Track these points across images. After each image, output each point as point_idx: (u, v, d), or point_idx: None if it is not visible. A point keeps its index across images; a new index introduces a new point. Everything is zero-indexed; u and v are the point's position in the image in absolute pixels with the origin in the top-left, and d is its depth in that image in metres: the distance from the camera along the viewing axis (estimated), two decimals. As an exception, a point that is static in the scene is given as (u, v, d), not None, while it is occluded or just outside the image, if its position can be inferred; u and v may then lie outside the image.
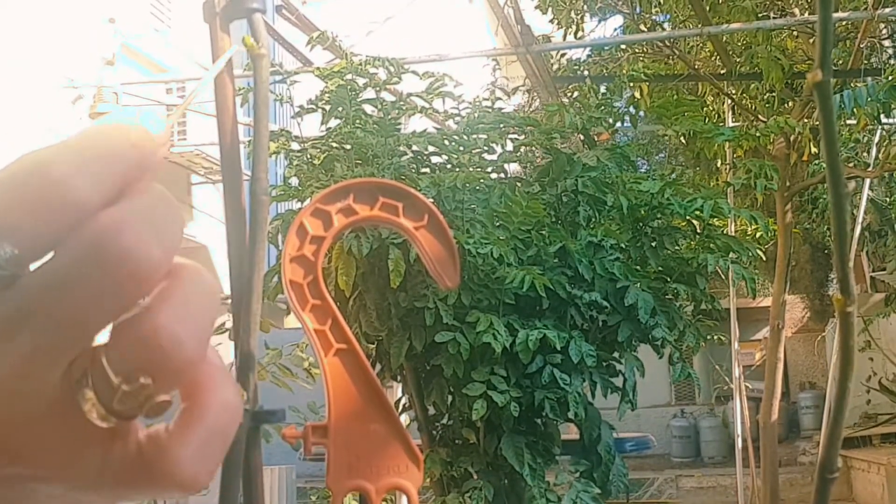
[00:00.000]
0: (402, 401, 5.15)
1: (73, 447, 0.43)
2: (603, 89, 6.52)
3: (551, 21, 9.65)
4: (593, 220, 5.00)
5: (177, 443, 0.44)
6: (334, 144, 4.82)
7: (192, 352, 0.42)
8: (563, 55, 11.02)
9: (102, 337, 0.41)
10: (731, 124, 8.86)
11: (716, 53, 9.24)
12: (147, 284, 0.41)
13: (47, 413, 0.41)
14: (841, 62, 8.65)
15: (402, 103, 5.01)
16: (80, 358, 0.41)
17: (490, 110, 5.19)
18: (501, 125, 5.13)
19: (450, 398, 4.64)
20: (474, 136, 5.00)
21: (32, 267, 0.40)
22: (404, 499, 1.09)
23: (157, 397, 0.42)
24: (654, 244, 4.94)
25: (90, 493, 0.45)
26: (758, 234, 6.72)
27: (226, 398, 0.46)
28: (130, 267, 0.40)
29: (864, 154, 9.45)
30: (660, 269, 4.93)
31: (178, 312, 0.42)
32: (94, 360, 0.41)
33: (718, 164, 8.67)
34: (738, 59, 8.76)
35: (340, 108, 4.83)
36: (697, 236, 5.08)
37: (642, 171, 7.63)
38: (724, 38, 8.77)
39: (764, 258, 6.00)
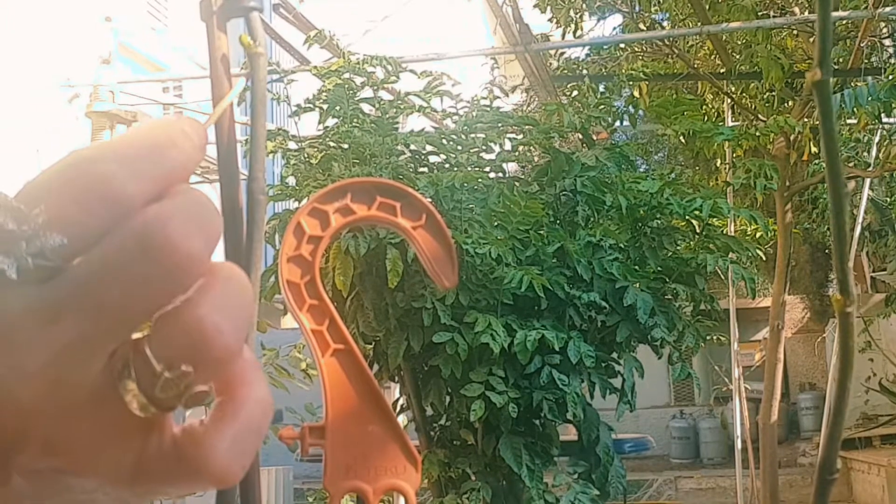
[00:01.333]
0: (400, 401, 5.14)
1: (111, 439, 0.44)
2: (602, 88, 6.54)
3: (550, 20, 9.65)
4: (592, 219, 5.00)
5: (212, 437, 0.45)
6: (332, 144, 4.82)
7: (232, 342, 0.43)
8: (561, 54, 11.03)
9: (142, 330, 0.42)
10: (730, 124, 8.85)
11: (715, 52, 9.25)
12: (190, 276, 0.42)
13: (87, 403, 0.42)
14: (841, 61, 8.65)
15: (399, 102, 5.01)
16: (121, 348, 0.42)
17: (488, 109, 5.19)
18: (500, 124, 5.12)
19: (448, 399, 4.64)
20: (472, 135, 5.00)
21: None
22: (402, 500, 1.08)
23: (197, 387, 0.43)
24: (653, 244, 4.93)
25: (125, 487, 0.45)
26: (758, 234, 6.74)
27: (260, 395, 0.47)
28: (175, 258, 0.41)
29: (865, 154, 9.44)
30: (659, 269, 4.93)
31: (219, 304, 0.43)
32: (136, 349, 0.42)
33: (718, 164, 8.66)
34: (737, 58, 8.75)
35: (338, 107, 4.82)
36: (697, 236, 5.08)
37: (641, 170, 7.63)
38: (724, 37, 8.77)
39: (764, 258, 6.00)
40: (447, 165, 4.95)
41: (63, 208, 0.40)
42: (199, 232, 0.42)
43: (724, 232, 6.25)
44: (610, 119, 5.38)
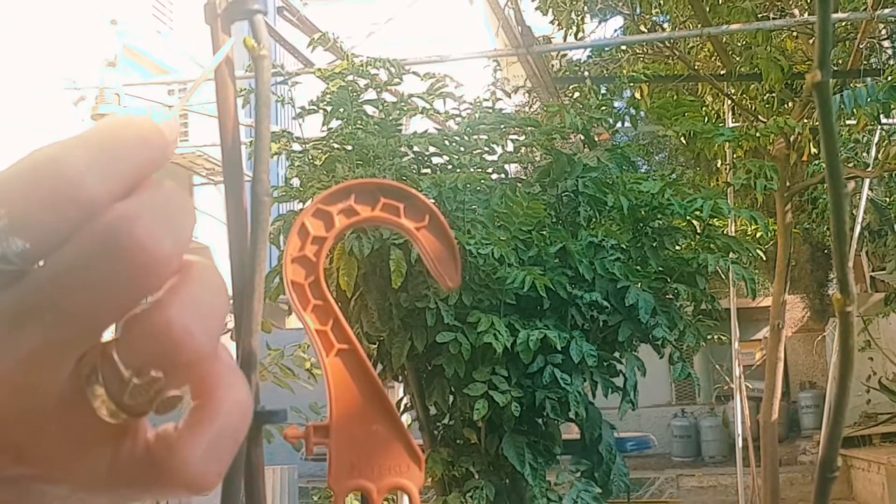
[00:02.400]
0: (404, 401, 5.14)
1: (82, 446, 0.43)
2: (603, 90, 6.53)
3: (552, 22, 9.65)
4: (594, 220, 5.01)
5: (186, 442, 0.44)
6: (335, 145, 4.82)
7: (203, 345, 0.42)
8: (563, 56, 11.03)
9: (110, 334, 0.41)
10: (730, 125, 8.86)
11: (716, 54, 9.25)
12: (158, 278, 0.40)
13: (55, 409, 0.41)
14: (840, 62, 8.65)
15: (403, 104, 5.01)
16: (89, 353, 0.41)
17: (491, 111, 5.19)
18: (502, 126, 5.13)
19: (451, 398, 4.64)
20: (475, 136, 5.00)
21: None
22: (406, 499, 1.09)
23: (168, 392, 0.42)
24: (654, 244, 4.94)
25: (98, 493, 0.44)
26: (758, 234, 6.73)
27: (237, 397, 0.46)
28: (142, 259, 0.39)
29: (864, 154, 9.44)
30: (660, 269, 4.93)
31: (189, 306, 0.41)
32: (104, 354, 0.41)
33: (718, 165, 8.67)
34: (737, 60, 8.75)
35: (342, 109, 4.83)
36: (697, 236, 5.08)
37: (642, 171, 7.63)
38: (724, 39, 8.78)
39: (764, 258, 6.00)
40: (450, 167, 4.95)
41: (27, 210, 0.39)
42: (167, 231, 0.41)
43: (725, 232, 6.25)
44: (611, 120, 5.38)
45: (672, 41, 9.22)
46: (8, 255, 0.38)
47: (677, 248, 5.06)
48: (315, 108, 4.93)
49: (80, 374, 0.41)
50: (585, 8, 9.39)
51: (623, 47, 10.39)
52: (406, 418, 4.85)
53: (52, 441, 0.42)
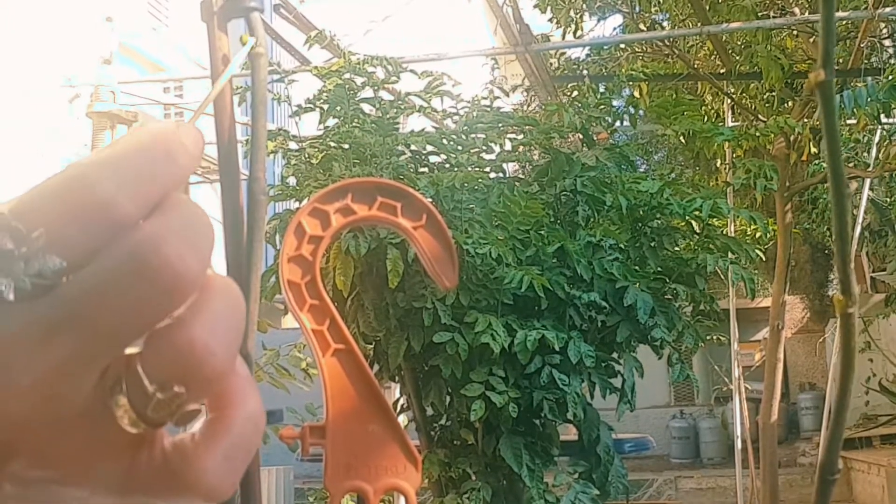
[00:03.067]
0: (401, 401, 5.14)
1: (101, 453, 0.44)
2: (602, 88, 6.52)
3: (550, 20, 9.65)
4: (592, 220, 5.00)
5: (202, 453, 0.45)
6: (332, 144, 4.81)
7: (223, 363, 0.43)
8: (562, 54, 11.04)
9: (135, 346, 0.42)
10: (730, 124, 8.86)
11: (715, 53, 9.25)
12: (183, 295, 0.42)
13: (79, 417, 0.42)
14: (841, 62, 8.65)
15: (400, 102, 5.01)
16: (114, 364, 0.42)
17: (488, 110, 5.19)
18: (500, 125, 5.12)
19: (448, 399, 4.64)
20: (473, 135, 5.00)
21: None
22: (402, 499, 1.09)
23: (188, 406, 0.43)
24: (653, 244, 4.93)
25: (114, 498, 0.45)
26: (757, 235, 6.73)
27: (251, 411, 0.47)
28: (168, 278, 0.41)
29: (864, 154, 9.44)
30: (659, 269, 4.93)
31: (211, 325, 0.43)
32: (128, 367, 0.42)
33: (718, 164, 8.67)
34: (737, 59, 8.76)
35: (338, 108, 4.82)
36: (697, 236, 5.08)
37: (641, 170, 7.63)
38: (724, 38, 8.78)
39: (764, 258, 5.99)
40: (447, 165, 4.94)
41: (61, 229, 0.40)
42: (193, 250, 0.42)
43: (724, 232, 6.25)
44: (610, 119, 5.38)
45: (671, 40, 9.22)
46: (45, 272, 0.40)
47: (676, 248, 5.06)
48: (312, 106, 4.92)
49: (104, 384, 0.42)
50: (584, 6, 9.39)
51: (622, 46, 10.39)
52: (403, 419, 4.85)
53: (74, 446, 0.43)
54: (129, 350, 0.42)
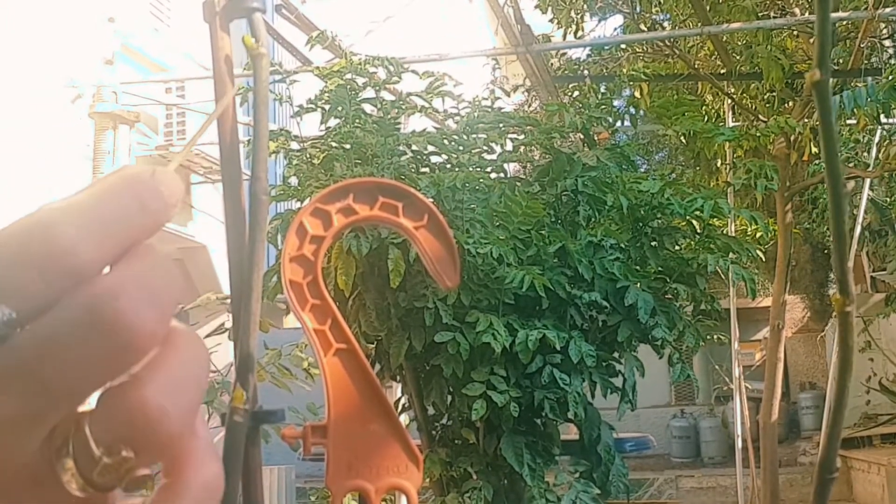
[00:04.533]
0: (402, 401, 5.14)
1: None
2: (603, 89, 6.53)
3: (551, 20, 9.65)
4: (593, 219, 5.00)
5: None
6: (334, 144, 4.81)
7: (178, 426, 0.41)
8: (563, 54, 11.03)
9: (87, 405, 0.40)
10: (731, 124, 8.86)
11: (716, 53, 9.25)
12: (139, 352, 0.40)
13: (24, 479, 0.40)
14: (841, 62, 8.66)
15: (401, 103, 5.01)
16: (62, 424, 0.40)
17: (490, 110, 5.19)
18: (501, 125, 5.12)
19: (449, 398, 4.64)
20: (474, 135, 5.00)
21: None
22: (404, 499, 1.09)
23: (138, 471, 0.41)
24: (653, 244, 4.93)
25: None
26: (758, 234, 6.72)
27: (208, 476, 0.45)
28: (124, 334, 0.39)
29: (864, 154, 9.44)
30: (660, 269, 4.93)
31: (167, 384, 0.41)
32: (77, 428, 0.40)
33: (718, 164, 8.66)
34: (738, 59, 8.76)
35: (340, 108, 4.82)
36: (697, 236, 5.08)
37: (642, 170, 7.64)
38: (725, 38, 8.78)
39: (764, 258, 5.99)
40: (449, 166, 4.95)
41: (16, 276, 0.38)
42: (152, 305, 0.40)
43: (725, 232, 6.25)
44: (611, 119, 5.38)
45: (672, 40, 9.22)
46: None
47: (677, 247, 5.06)
48: (313, 106, 4.92)
49: (52, 444, 0.40)
50: (585, 6, 9.39)
51: (623, 46, 10.39)
52: (404, 418, 4.85)
53: None
54: (82, 408, 0.40)
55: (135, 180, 0.42)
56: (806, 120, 7.94)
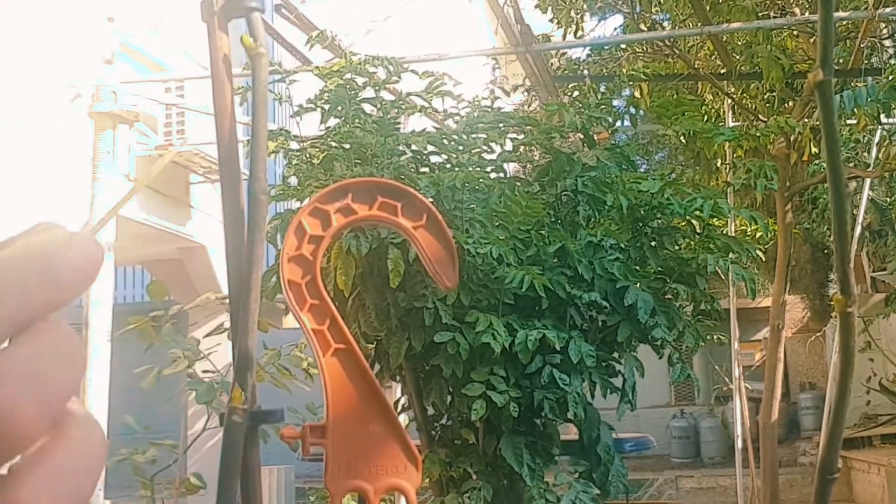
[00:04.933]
0: (401, 401, 5.14)
1: None
2: (603, 88, 6.53)
3: (551, 20, 9.65)
4: (593, 219, 5.00)
5: None
6: (333, 144, 4.81)
7: None
8: (562, 54, 11.03)
9: None
10: (731, 124, 8.86)
11: (716, 53, 9.24)
12: (18, 443, 0.37)
13: None
14: (841, 62, 8.65)
15: (401, 102, 5.01)
16: None
17: (489, 110, 5.18)
18: (501, 124, 5.12)
19: (449, 398, 4.63)
20: (473, 135, 5.00)
21: None
22: (403, 499, 1.09)
23: None
24: (653, 244, 4.93)
25: None
26: (758, 234, 6.72)
27: None
28: (1, 424, 0.36)
29: (865, 154, 9.44)
30: (659, 269, 4.92)
31: (48, 479, 0.38)
32: None
33: (718, 164, 8.67)
34: (738, 59, 8.75)
35: (339, 108, 4.82)
36: (697, 236, 5.07)
37: (642, 170, 7.63)
38: (725, 38, 8.77)
39: (764, 258, 5.99)
40: (448, 165, 4.94)
41: None
42: (36, 392, 0.37)
43: (725, 232, 6.25)
44: (611, 119, 5.37)
45: (672, 40, 9.21)
46: None
47: (677, 247, 5.06)
48: (313, 106, 4.92)
49: None
50: (585, 6, 9.38)
51: (623, 46, 10.38)
52: (403, 418, 4.85)
53: None
54: None
55: (47, 247, 0.39)
56: (806, 120, 7.93)
